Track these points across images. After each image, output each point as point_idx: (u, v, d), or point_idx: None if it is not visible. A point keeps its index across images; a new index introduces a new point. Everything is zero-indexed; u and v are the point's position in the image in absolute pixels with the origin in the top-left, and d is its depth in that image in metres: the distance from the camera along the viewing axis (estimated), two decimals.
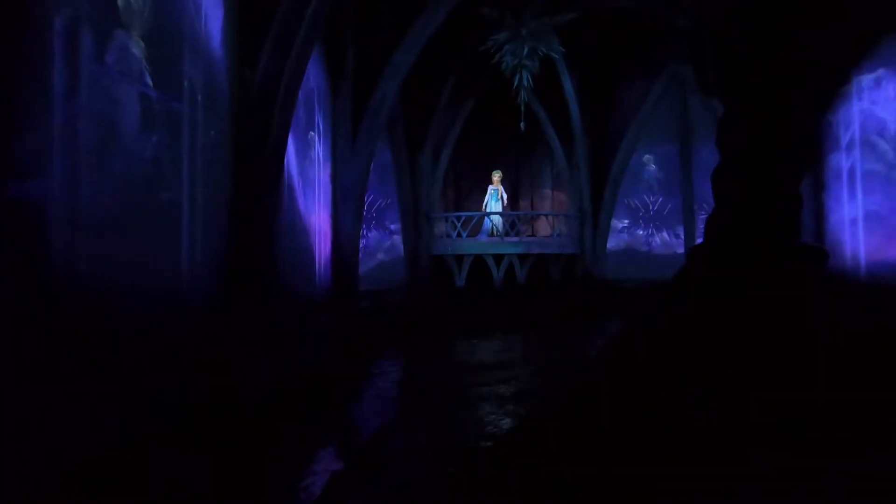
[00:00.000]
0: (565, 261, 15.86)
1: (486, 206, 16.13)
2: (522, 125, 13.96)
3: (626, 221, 15.77)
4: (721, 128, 1.48)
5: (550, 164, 17.64)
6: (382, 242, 14.80)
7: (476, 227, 15.83)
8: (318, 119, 8.63)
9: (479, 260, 15.16)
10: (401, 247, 14.94)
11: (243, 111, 6.08)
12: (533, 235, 16.91)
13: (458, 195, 17.95)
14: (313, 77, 8.35)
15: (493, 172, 16.31)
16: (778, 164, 1.30)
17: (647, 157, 15.30)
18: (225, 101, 6.00)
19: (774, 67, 1.30)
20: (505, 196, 16.17)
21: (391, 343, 8.74)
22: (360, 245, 14.19)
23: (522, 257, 15.24)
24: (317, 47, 8.59)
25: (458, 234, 15.13)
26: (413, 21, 9.04)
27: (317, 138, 8.50)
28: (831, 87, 11.10)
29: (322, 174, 8.79)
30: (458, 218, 15.15)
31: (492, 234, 15.67)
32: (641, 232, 15.63)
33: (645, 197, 15.47)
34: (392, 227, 14.87)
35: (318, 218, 8.51)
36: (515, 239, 15.18)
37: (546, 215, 15.81)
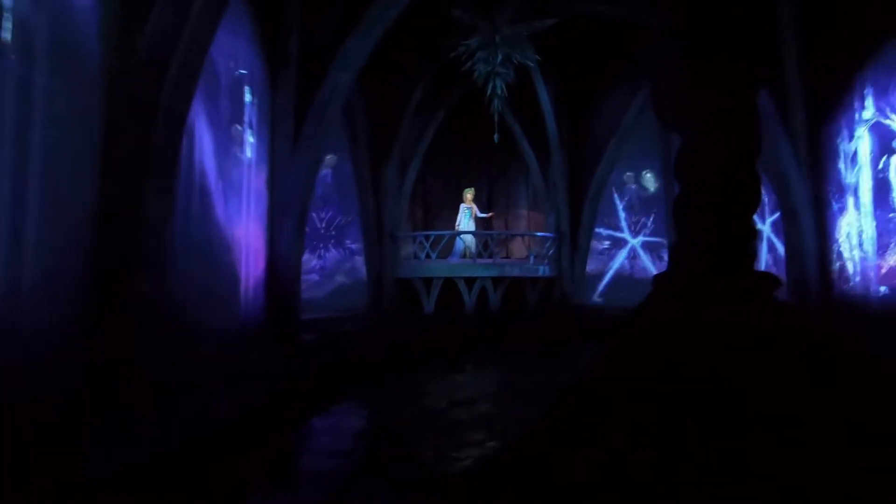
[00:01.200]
0: (542, 285, 14.25)
1: (457, 225, 14.48)
2: (496, 137, 12.45)
3: (608, 243, 14.25)
4: (678, 160, 1.45)
5: (526, 181, 16.13)
6: (342, 264, 13.01)
7: (446, 248, 14.17)
8: (251, 112, 6.92)
9: (449, 283, 13.45)
10: (363, 269, 13.17)
11: (120, 80, 4.32)
12: (507, 257, 15.29)
13: (426, 213, 16.28)
14: (244, 60, 6.66)
15: (466, 190, 14.71)
16: (732, 196, 1.30)
17: (628, 174, 13.89)
18: (93, 65, 4.25)
19: (725, 101, 1.31)
20: (479, 213, 14.54)
21: (336, 385, 6.92)
22: (316, 266, 12.38)
23: (496, 281, 13.58)
24: (252, 27, 6.92)
25: (427, 256, 13.43)
26: (370, 2, 7.44)
27: (247, 135, 6.78)
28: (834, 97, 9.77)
29: (253, 179, 7.04)
30: (427, 237, 13.47)
31: (464, 256, 14.01)
32: (624, 253, 14.10)
33: (627, 216, 13.99)
34: (353, 246, 13.11)
35: (245, 231, 6.74)
36: (489, 261, 13.53)
37: (522, 235, 14.21)
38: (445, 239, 13.42)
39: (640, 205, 13.97)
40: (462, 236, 13.98)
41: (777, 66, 9.89)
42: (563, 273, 14.39)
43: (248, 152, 6.78)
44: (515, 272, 13.68)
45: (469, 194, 14.70)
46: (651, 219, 13.98)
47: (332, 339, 9.12)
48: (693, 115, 1.44)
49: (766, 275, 1.45)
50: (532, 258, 14.00)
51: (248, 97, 6.74)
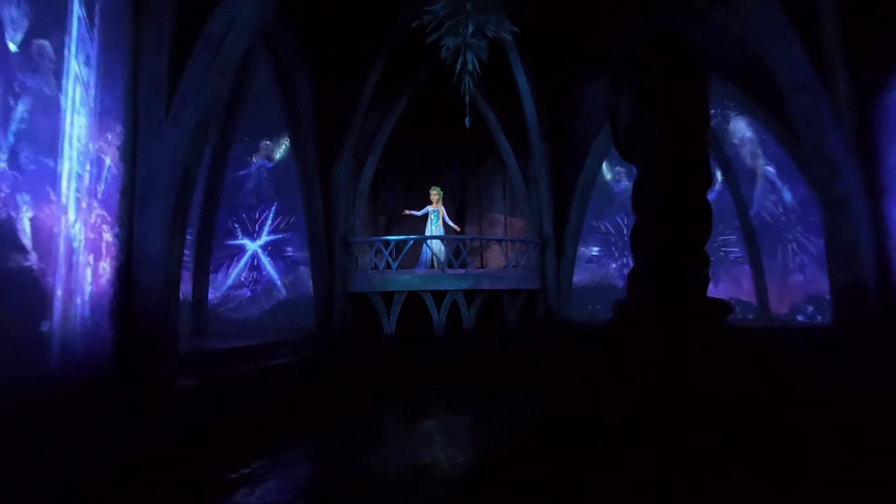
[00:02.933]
0: (524, 299, 11.67)
1: (425, 228, 11.86)
2: (467, 121, 9.93)
3: (597, 249, 11.78)
4: (634, 190, 1.31)
5: (502, 180, 13.61)
6: (282, 276, 10.23)
7: (411, 258, 11.52)
8: (85, 32, 4.21)
9: (414, 299, 10.78)
10: (309, 282, 10.42)
11: None
12: (483, 267, 12.69)
13: (389, 218, 13.61)
14: None
15: (431, 189, 12.11)
16: (684, 225, 1.22)
17: (619, 169, 11.44)
18: None
19: (676, 135, 1.20)
20: (447, 220, 11.94)
21: (200, 464, 4.15)
22: (247, 280, 9.59)
23: (470, 294, 10.97)
24: None
25: (387, 266, 10.75)
26: None
27: (69, 62, 4.05)
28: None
29: (87, 136, 4.30)
30: (386, 244, 10.80)
31: (431, 266, 11.37)
32: (615, 263, 11.62)
33: (618, 219, 11.55)
34: (296, 255, 10.36)
35: (60, 220, 3.99)
36: (461, 271, 10.91)
37: (500, 241, 11.63)
38: (408, 245, 10.76)
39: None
40: (429, 242, 11.35)
41: (814, 22, 7.52)
42: (547, 285, 11.86)
43: (74, 92, 4.07)
44: (492, 284, 11.08)
45: (435, 194, 12.10)
46: None
47: (238, 378, 6.38)
48: (645, 148, 1.25)
49: (718, 301, 1.28)
50: (511, 268, 11.43)
51: (76, 6, 4.06)
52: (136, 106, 4.71)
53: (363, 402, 7.37)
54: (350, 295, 10.93)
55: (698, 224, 1.30)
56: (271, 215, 10.06)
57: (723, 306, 1.30)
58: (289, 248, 10.33)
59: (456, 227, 12.07)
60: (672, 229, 1.27)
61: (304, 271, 10.48)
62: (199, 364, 6.64)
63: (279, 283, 10.17)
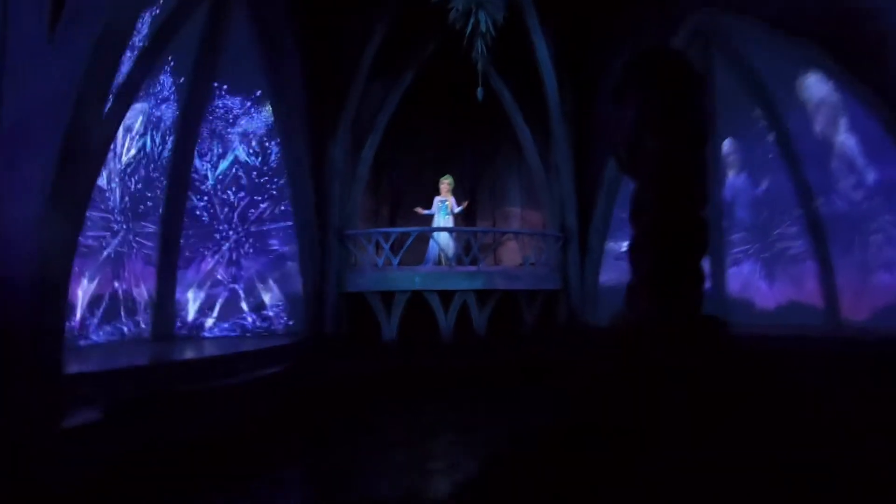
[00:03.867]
0: (543, 300, 10.01)
1: (432, 223, 10.25)
2: (480, 92, 8.37)
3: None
4: (631, 204, 1.30)
5: (518, 169, 11.96)
6: (266, 272, 8.66)
7: (416, 255, 9.94)
8: None
9: (417, 300, 9.17)
10: (297, 279, 8.85)
11: None
12: (497, 265, 11.05)
13: (392, 211, 12.00)
14: None
15: (442, 179, 10.49)
16: (680, 242, 1.22)
17: None
18: None
19: (670, 146, 1.19)
20: (455, 208, 10.32)
21: None
22: (225, 277, 8.05)
23: (482, 295, 9.36)
24: None
25: (387, 262, 9.16)
26: None
27: None
28: None
29: None
30: (387, 237, 9.21)
31: (438, 263, 9.76)
32: None
33: None
34: (283, 249, 8.81)
35: None
36: (472, 268, 9.29)
37: (516, 234, 9.96)
38: (411, 238, 9.15)
39: None
40: (435, 236, 9.74)
41: None
42: (569, 285, 10.19)
43: None
44: (507, 284, 9.44)
45: (446, 184, 10.48)
46: None
47: (184, 399, 4.82)
48: (645, 162, 1.24)
49: (712, 318, 1.27)
50: (529, 266, 9.77)
51: None
52: (5, 18, 3.16)
53: (343, 425, 5.77)
54: (345, 295, 9.35)
55: (694, 240, 1.25)
56: (253, 203, 8.50)
57: (716, 322, 1.26)
58: (273, 242, 8.77)
59: (463, 202, 10.42)
60: (667, 243, 1.23)
61: (292, 267, 8.92)
62: (147, 380, 5.10)
63: (262, 280, 8.59)
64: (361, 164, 9.76)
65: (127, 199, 6.95)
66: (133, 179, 7.02)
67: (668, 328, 1.20)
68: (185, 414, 4.73)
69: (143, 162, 7.15)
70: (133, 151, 6.94)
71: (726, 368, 1.20)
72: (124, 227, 6.90)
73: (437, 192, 10.60)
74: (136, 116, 6.84)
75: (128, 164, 6.90)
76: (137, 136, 6.97)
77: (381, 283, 9.20)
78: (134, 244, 7.17)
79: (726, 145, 9.34)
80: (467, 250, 9.62)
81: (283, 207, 8.75)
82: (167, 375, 5.38)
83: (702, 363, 1.18)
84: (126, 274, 7.02)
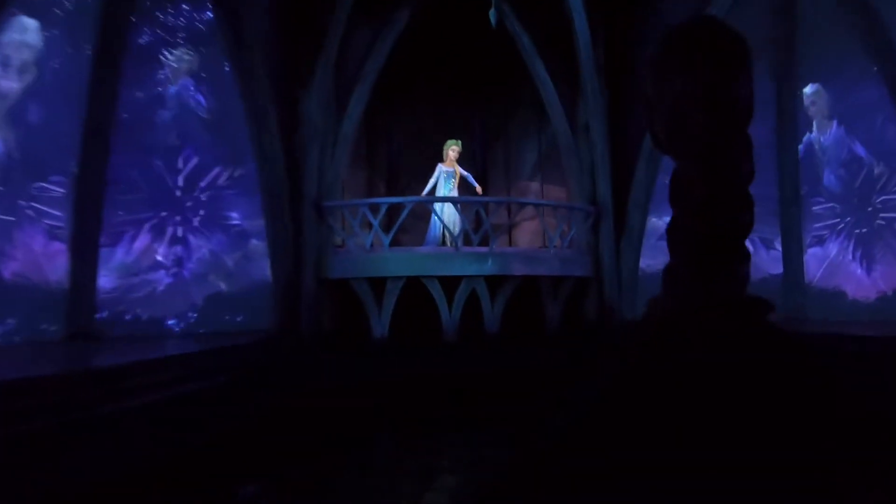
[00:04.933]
0: (570, 290, 7.96)
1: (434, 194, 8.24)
2: (493, 15, 6.30)
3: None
4: (672, 184, 1.15)
5: (538, 136, 9.87)
6: (224, 254, 6.70)
7: (415, 235, 7.95)
8: None
9: (415, 288, 7.17)
10: (264, 262, 6.88)
11: None
12: (512, 246, 9.02)
13: (390, 182, 9.99)
14: None
15: (448, 143, 8.48)
16: (725, 222, 1.09)
17: None
18: None
19: (718, 123, 1.09)
20: (471, 179, 8.31)
21: None
22: (167, 259, 6.12)
23: (495, 283, 7.35)
24: None
25: (377, 241, 7.18)
26: None
27: None
28: None
29: None
30: (376, 209, 7.20)
31: (442, 243, 7.78)
32: None
33: None
34: (244, 224, 6.85)
35: None
36: (482, 250, 7.26)
37: (536, 206, 7.88)
38: (406, 211, 7.14)
39: None
40: (437, 209, 7.73)
41: None
42: (602, 270, 8.13)
43: None
44: (526, 268, 7.40)
45: (453, 150, 8.45)
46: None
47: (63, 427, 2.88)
48: (688, 140, 1.12)
49: (757, 299, 1.07)
50: (553, 247, 7.73)
51: None
52: None
53: (294, 470, 3.80)
54: (325, 282, 7.37)
55: (740, 218, 1.12)
56: (204, 164, 6.52)
57: (762, 304, 1.08)
58: (233, 214, 6.81)
59: (478, 187, 8.37)
60: (713, 223, 1.11)
61: (258, 248, 6.96)
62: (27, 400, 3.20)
63: (218, 263, 6.64)
64: (346, 122, 7.75)
65: (15, 149, 5.00)
66: (24, 122, 5.07)
67: (711, 313, 1.07)
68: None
69: (43, 97, 5.19)
70: (24, 81, 4.99)
71: (765, 363, 1.02)
72: (7, 187, 4.96)
73: (442, 160, 8.57)
74: (26, 32, 4.88)
75: (16, 99, 4.95)
76: (32, 61, 5.01)
77: (370, 267, 7.21)
78: (29, 212, 5.23)
79: (810, 93, 7.17)
80: (477, 227, 7.59)
81: (244, 171, 6.77)
82: (70, 390, 3.44)
83: (742, 355, 1.03)
84: (16, 253, 5.08)
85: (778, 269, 7.63)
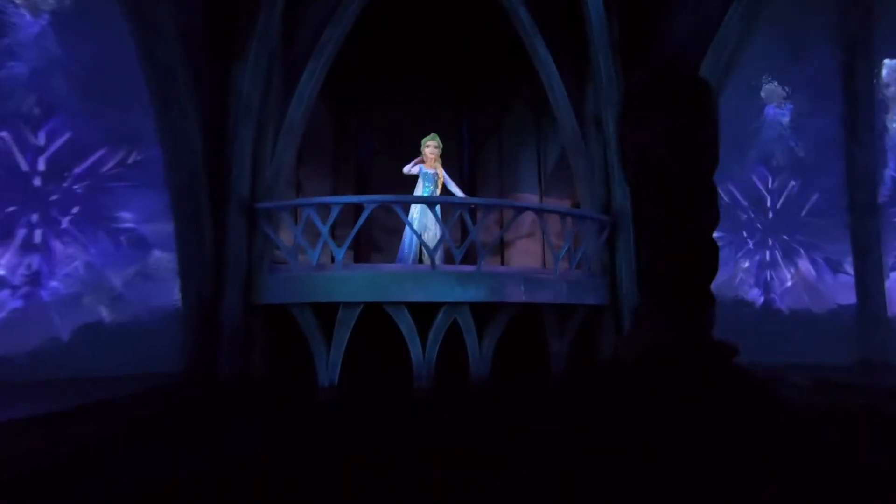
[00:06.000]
0: (580, 322, 6.00)
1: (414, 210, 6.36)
2: None
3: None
4: (642, 223, 1.28)
5: (537, 133, 8.09)
6: (107, 270, 4.69)
7: (385, 251, 6.04)
8: None
9: (376, 319, 5.15)
10: (172, 283, 4.86)
11: None
12: (503, 265, 7.11)
13: (359, 189, 8.08)
14: None
15: (425, 140, 6.65)
16: (693, 264, 1.19)
17: (770, 85, 5.85)
18: None
19: (683, 168, 1.17)
20: (451, 184, 6.46)
21: None
22: (19, 274, 4.09)
23: (484, 313, 5.35)
24: None
25: (327, 255, 5.23)
26: None
27: None
28: None
29: None
30: (325, 211, 5.26)
31: (419, 261, 5.87)
32: (748, 259, 5.97)
33: (755, 177, 5.93)
34: (143, 228, 4.86)
35: None
36: (468, 269, 5.32)
37: (539, 212, 5.94)
38: (366, 213, 5.22)
39: (787, 153, 5.91)
40: (415, 217, 5.85)
41: None
42: (621, 297, 6.21)
43: None
44: (525, 294, 5.46)
45: (432, 147, 6.65)
46: (810, 182, 5.89)
47: None
48: (656, 181, 1.19)
49: (722, 344, 1.22)
50: (558, 267, 5.82)
51: None
52: None
53: None
54: (258, 310, 5.38)
55: (705, 263, 1.23)
56: (80, 143, 4.61)
57: (729, 348, 1.22)
58: (124, 214, 4.87)
59: (462, 195, 6.50)
60: (681, 266, 1.20)
61: (163, 262, 5.00)
62: None
63: (98, 282, 4.65)
64: (294, 106, 5.89)
65: None
66: None
67: (679, 351, 1.14)
68: None
69: None
70: None
71: (727, 402, 1.09)
72: None
73: (421, 157, 6.75)
74: None
75: None
76: None
77: (317, 289, 5.24)
78: None
79: (891, 69, 5.46)
80: (461, 240, 5.69)
81: (143, 156, 4.86)
82: None
83: (707, 393, 1.10)
84: None
85: (850, 297, 5.76)
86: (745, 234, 6.05)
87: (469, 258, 6.12)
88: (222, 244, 5.26)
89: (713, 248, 1.21)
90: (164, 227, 5.02)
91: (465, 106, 8.35)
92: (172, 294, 5.06)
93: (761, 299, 6.07)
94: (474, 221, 5.56)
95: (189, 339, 5.06)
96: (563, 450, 1.67)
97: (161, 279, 5.00)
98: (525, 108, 8.12)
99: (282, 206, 5.34)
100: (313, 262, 5.34)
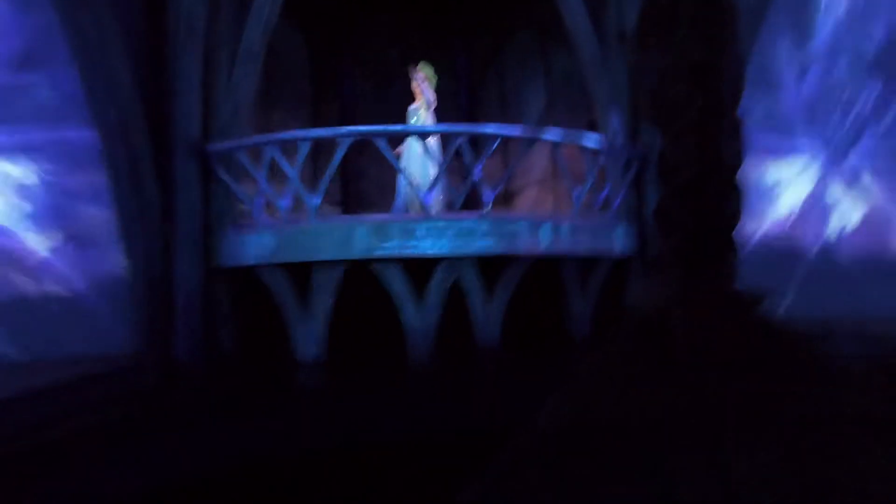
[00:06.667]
0: (604, 276, 4.98)
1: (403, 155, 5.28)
2: None
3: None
4: (660, 159, 1.24)
5: (545, 57, 6.90)
6: (23, 234, 3.67)
7: (377, 203, 5.05)
8: None
9: (363, 280, 4.14)
10: (107, 244, 3.84)
11: None
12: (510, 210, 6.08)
13: (343, 121, 6.90)
14: None
15: (418, 67, 5.50)
16: (714, 205, 1.12)
17: None
18: None
19: (703, 99, 1.10)
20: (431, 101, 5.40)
21: None
22: None
23: (491, 268, 4.33)
24: None
25: (299, 205, 4.20)
26: None
27: None
28: None
29: None
30: (290, 150, 4.19)
31: (409, 209, 4.83)
32: (805, 190, 4.89)
33: (817, 100, 4.80)
34: (65, 181, 3.77)
35: None
36: (470, 215, 4.26)
37: (556, 145, 4.81)
38: (341, 149, 4.16)
39: (856, 72, 4.74)
40: (408, 155, 4.82)
41: None
42: (650, 245, 5.12)
43: None
44: (541, 244, 4.43)
45: (420, 76, 5.53)
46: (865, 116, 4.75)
47: None
48: (673, 112, 1.12)
49: (746, 293, 1.17)
50: (578, 211, 4.77)
51: None
52: None
53: None
54: (219, 274, 4.41)
55: (727, 205, 1.14)
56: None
57: (754, 297, 1.14)
58: (42, 162, 3.82)
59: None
60: (700, 208, 1.12)
61: (94, 218, 4.01)
62: None
63: (10, 249, 3.68)
64: (252, 27, 4.74)
65: None
66: None
67: (695, 303, 1.08)
68: None
69: None
70: None
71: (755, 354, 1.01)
72: None
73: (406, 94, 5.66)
74: None
75: None
76: None
77: (287, 247, 4.25)
78: None
79: None
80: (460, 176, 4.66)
81: (47, 80, 3.80)
82: None
83: (732, 348, 1.01)
84: None
85: None
86: (825, 154, 4.94)
87: (471, 204, 5.10)
88: (170, 196, 4.26)
89: (736, 188, 1.12)
90: (94, 181, 4.01)
91: (460, 33, 7.13)
92: (110, 260, 4.10)
93: (812, 237, 5.04)
94: (477, 157, 4.50)
95: (137, 313, 4.13)
96: (562, 425, 1.29)
97: (94, 241, 4.03)
98: (529, 33, 6.90)
99: (238, 147, 4.29)
100: (282, 213, 4.33)
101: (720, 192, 1.16)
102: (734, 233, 1.17)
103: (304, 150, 4.18)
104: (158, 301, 4.22)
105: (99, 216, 4.06)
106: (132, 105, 4.10)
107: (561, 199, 6.95)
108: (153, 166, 4.20)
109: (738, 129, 1.18)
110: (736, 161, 1.19)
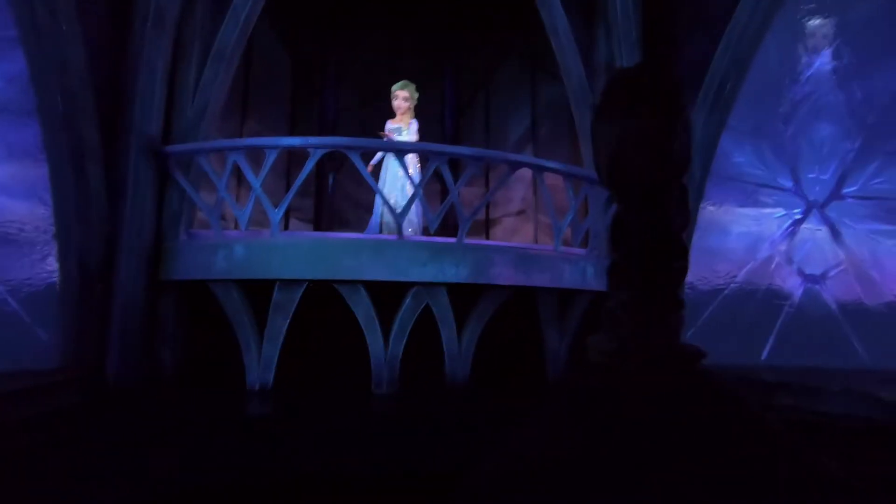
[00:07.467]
0: (584, 311, 4.65)
1: (381, 174, 4.92)
2: None
3: (749, 210, 4.81)
4: (612, 227, 1.21)
5: (533, 84, 6.74)
6: None
7: (353, 223, 4.68)
8: None
9: (325, 301, 3.71)
10: (47, 250, 3.34)
11: None
12: (488, 239, 5.73)
13: (323, 133, 6.57)
14: None
15: (395, 87, 5.20)
16: (661, 269, 1.14)
17: (820, 27, 4.56)
18: None
19: (655, 169, 1.11)
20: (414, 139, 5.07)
21: None
22: None
23: (464, 297, 3.96)
24: None
25: (260, 218, 3.77)
26: None
27: None
28: None
29: None
30: (258, 157, 3.79)
31: (381, 230, 4.44)
32: (787, 238, 4.68)
33: (801, 137, 4.65)
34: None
35: None
36: (446, 241, 3.91)
37: (538, 170, 4.53)
38: (312, 160, 3.78)
39: (860, 110, 4.63)
40: (384, 175, 4.47)
41: None
42: None
43: None
44: (517, 275, 4.10)
45: (402, 96, 5.23)
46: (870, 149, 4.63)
47: None
48: (627, 185, 1.14)
49: (690, 348, 1.15)
50: (558, 244, 4.46)
51: None
52: None
53: None
54: (168, 287, 3.95)
55: (674, 266, 1.14)
56: None
57: (695, 353, 1.12)
58: None
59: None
60: (651, 269, 1.12)
61: (34, 217, 3.52)
62: None
63: None
64: (228, 27, 4.40)
65: None
66: None
67: (647, 355, 1.08)
68: None
69: None
70: None
71: (694, 403, 1.03)
72: None
73: (391, 115, 5.37)
74: None
75: None
76: None
77: (245, 262, 3.82)
78: None
79: None
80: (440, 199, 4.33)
81: None
82: None
83: (672, 394, 1.02)
84: None
85: None
86: (800, 203, 4.79)
87: (447, 230, 4.76)
88: (118, 197, 3.80)
89: (683, 250, 1.10)
90: (32, 173, 3.55)
91: (449, 56, 6.91)
92: (46, 264, 3.60)
93: (801, 289, 4.84)
94: (455, 179, 4.18)
95: (67, 325, 3.62)
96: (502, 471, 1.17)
97: (28, 245, 3.54)
98: (518, 61, 6.72)
99: (199, 150, 3.88)
100: (242, 225, 3.91)
101: (667, 254, 1.17)
102: (679, 290, 1.18)
103: (271, 158, 3.80)
104: (92, 312, 3.72)
105: (34, 214, 3.58)
106: (83, 94, 3.67)
107: (541, 229, 6.70)
108: (101, 164, 3.76)
109: (685, 194, 1.21)
110: (684, 223, 1.20)
